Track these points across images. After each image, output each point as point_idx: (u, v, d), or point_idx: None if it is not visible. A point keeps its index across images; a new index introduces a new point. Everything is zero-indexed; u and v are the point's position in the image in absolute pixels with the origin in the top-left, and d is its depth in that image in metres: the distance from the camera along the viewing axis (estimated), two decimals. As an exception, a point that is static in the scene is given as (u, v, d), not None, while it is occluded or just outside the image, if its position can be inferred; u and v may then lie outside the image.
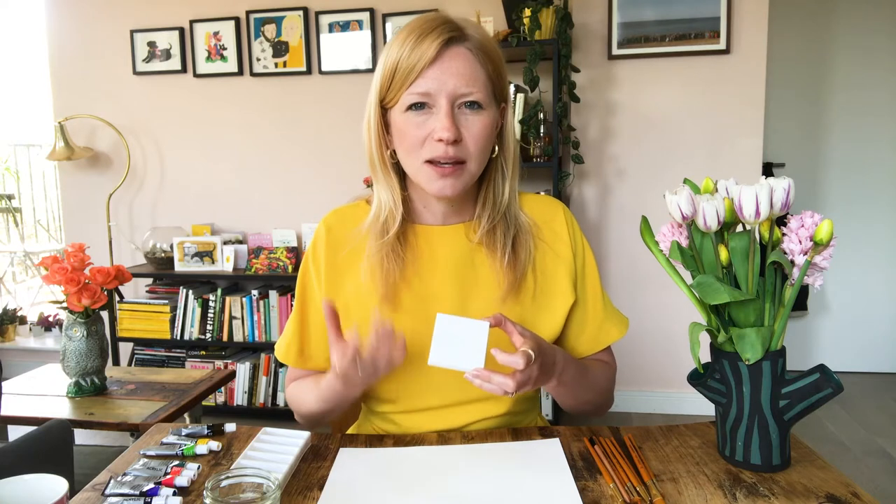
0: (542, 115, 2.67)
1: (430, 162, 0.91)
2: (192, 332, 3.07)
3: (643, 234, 0.88)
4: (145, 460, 0.87)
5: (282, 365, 3.05)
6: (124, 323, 3.10)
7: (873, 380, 3.37)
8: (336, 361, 0.84)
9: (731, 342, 0.80)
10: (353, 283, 0.99)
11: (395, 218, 0.97)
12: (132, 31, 3.24)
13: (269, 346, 3.01)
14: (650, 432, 0.94)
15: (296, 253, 3.03)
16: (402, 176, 0.98)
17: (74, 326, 1.76)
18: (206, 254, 3.07)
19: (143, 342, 3.14)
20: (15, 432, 1.34)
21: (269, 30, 3.12)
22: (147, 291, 3.23)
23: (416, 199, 1.00)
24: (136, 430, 1.62)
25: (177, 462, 0.85)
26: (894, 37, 3.28)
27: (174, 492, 0.79)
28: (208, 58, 3.20)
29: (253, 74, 3.16)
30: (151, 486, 0.79)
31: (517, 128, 2.63)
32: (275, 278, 3.01)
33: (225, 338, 3.05)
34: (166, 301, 3.08)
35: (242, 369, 3.03)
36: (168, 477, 0.81)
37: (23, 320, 3.84)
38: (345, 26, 3.05)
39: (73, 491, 0.77)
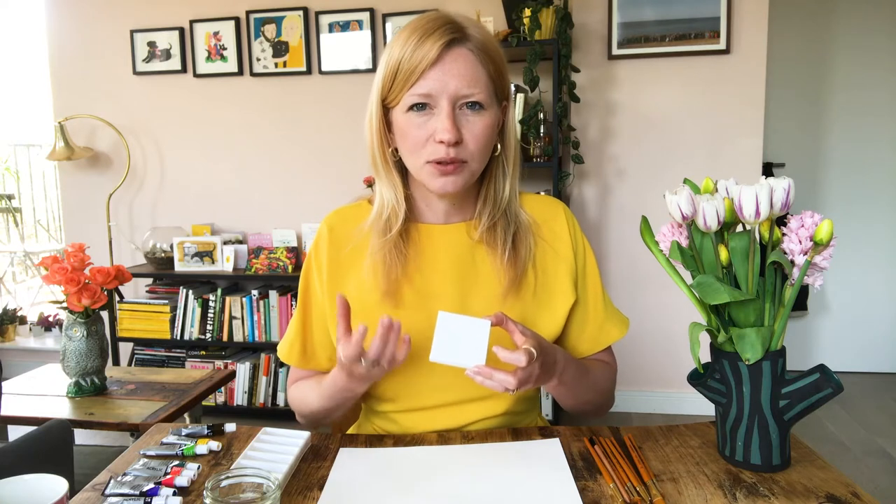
0: (542, 115, 2.67)
1: (431, 162, 0.91)
2: (192, 332, 3.07)
3: (643, 234, 0.88)
4: (145, 460, 0.87)
5: (282, 365, 3.05)
6: (124, 323, 3.10)
7: (873, 380, 3.37)
8: (341, 351, 0.84)
9: (731, 342, 0.80)
10: (355, 280, 0.99)
11: (398, 216, 0.97)
12: (132, 31, 3.24)
13: (268, 347, 3.01)
14: (650, 432, 0.94)
15: (296, 253, 3.03)
16: (404, 174, 0.99)
17: (74, 326, 1.76)
18: (206, 254, 3.07)
19: (143, 342, 3.15)
20: (15, 432, 1.34)
21: (269, 30, 3.12)
22: (147, 291, 3.23)
23: (419, 198, 1.01)
24: (136, 430, 1.62)
25: (177, 462, 0.85)
26: (894, 37, 3.28)
27: (174, 492, 0.79)
28: (208, 58, 3.20)
29: (253, 74, 3.17)
30: (151, 486, 0.79)
31: (517, 128, 2.62)
32: (275, 278, 3.01)
33: (225, 338, 3.05)
34: (166, 301, 3.08)
35: (242, 369, 3.03)
36: (168, 477, 0.81)
37: (23, 320, 3.84)
38: (345, 26, 3.05)
39: (73, 491, 0.77)
